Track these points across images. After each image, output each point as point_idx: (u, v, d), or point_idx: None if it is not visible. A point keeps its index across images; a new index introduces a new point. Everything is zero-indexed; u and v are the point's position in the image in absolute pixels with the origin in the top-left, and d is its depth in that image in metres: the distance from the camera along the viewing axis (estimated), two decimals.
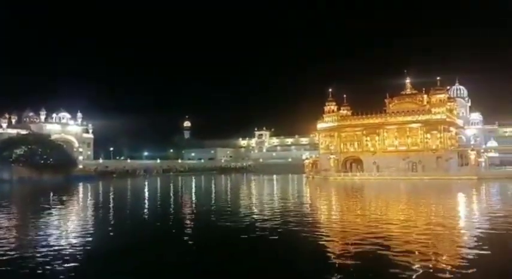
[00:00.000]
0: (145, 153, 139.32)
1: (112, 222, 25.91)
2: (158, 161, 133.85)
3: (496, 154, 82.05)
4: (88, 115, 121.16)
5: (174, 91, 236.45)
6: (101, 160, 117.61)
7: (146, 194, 50.29)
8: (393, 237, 17.87)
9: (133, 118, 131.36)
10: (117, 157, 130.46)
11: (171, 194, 48.62)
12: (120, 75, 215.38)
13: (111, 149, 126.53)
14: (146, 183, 72.56)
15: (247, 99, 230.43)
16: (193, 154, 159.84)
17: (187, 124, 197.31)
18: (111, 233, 21.21)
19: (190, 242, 18.46)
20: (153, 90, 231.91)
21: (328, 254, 15.18)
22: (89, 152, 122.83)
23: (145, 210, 32.26)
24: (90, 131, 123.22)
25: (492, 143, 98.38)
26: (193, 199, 41.99)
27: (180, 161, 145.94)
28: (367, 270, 12.96)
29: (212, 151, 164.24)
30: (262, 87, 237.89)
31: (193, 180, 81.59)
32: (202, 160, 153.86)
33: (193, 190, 55.84)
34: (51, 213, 28.28)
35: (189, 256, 15.53)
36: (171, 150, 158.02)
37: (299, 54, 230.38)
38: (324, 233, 19.53)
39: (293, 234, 19.54)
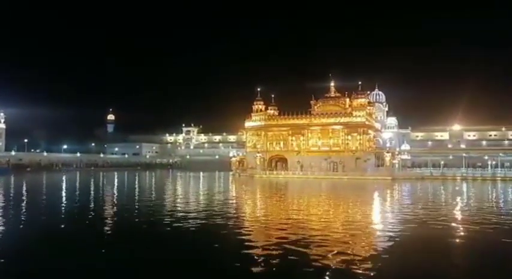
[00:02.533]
0: (65, 146, 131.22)
1: (20, 220, 24.07)
2: (78, 155, 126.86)
3: (409, 157, 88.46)
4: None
5: (97, 82, 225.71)
6: (13, 152, 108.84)
7: (62, 190, 47.39)
8: (312, 232, 18.58)
9: (52, 109, 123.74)
10: (33, 150, 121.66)
11: (91, 191, 46.32)
12: (37, 62, 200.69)
13: (26, 141, 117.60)
14: (64, 178, 68.39)
15: (176, 94, 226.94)
16: (116, 149, 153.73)
17: (111, 117, 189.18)
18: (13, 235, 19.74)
19: (106, 239, 17.76)
20: (75, 80, 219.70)
21: (249, 250, 15.40)
22: (0, 143, 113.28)
23: (58, 208, 30.34)
24: (2, 120, 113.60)
25: (405, 147, 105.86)
26: (115, 195, 40.40)
27: (102, 155, 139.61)
28: (286, 263, 13.37)
29: (137, 146, 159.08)
30: (191, 84, 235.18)
31: (116, 176, 78.42)
32: (127, 155, 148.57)
33: (115, 187, 53.67)
34: None
35: (103, 254, 14.94)
36: (93, 144, 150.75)
37: (230, 52, 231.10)
38: (246, 229, 19.82)
39: (214, 230, 19.61)
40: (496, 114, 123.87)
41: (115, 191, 45.02)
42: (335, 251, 14.95)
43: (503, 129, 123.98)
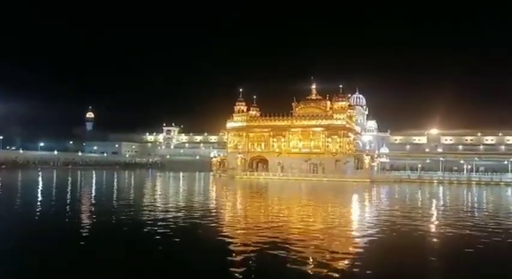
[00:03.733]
0: (42, 144, 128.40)
1: None
2: (56, 153, 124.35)
3: (387, 160, 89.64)
4: None
5: (77, 79, 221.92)
6: None
7: (38, 189, 46.40)
8: (290, 233, 18.69)
9: (29, 106, 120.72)
10: (8, 147, 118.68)
11: (68, 190, 45.53)
12: (14, 57, 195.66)
13: (1, 137, 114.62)
14: (40, 176, 66.99)
15: (157, 94, 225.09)
16: (95, 148, 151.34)
17: (90, 115, 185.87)
18: None
19: (83, 237, 17.48)
20: (54, 76, 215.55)
21: (228, 250, 15.40)
22: None
23: (32, 207, 29.72)
24: None
25: (384, 150, 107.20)
26: (92, 194, 39.77)
27: (80, 154, 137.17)
28: (265, 265, 13.42)
29: (116, 145, 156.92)
30: (173, 83, 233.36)
31: (94, 175, 77.23)
32: (105, 154, 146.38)
33: (93, 186, 52.83)
34: None
35: (81, 253, 14.72)
36: (71, 142, 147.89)
37: (211, 52, 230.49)
38: (224, 231, 19.79)
39: (193, 232, 19.56)
40: (472, 119, 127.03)
41: (92, 191, 44.33)
42: (312, 253, 15.08)
43: (479, 134, 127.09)
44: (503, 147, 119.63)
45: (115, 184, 57.35)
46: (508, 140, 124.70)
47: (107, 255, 14.74)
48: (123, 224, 21.29)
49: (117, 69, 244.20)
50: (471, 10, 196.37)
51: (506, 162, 74.18)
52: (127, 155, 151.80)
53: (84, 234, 18.91)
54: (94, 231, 19.71)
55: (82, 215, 24.93)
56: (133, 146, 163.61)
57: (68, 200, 33.56)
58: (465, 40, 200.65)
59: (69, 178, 64.52)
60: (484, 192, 50.77)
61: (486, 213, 29.60)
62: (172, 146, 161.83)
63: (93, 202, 32.91)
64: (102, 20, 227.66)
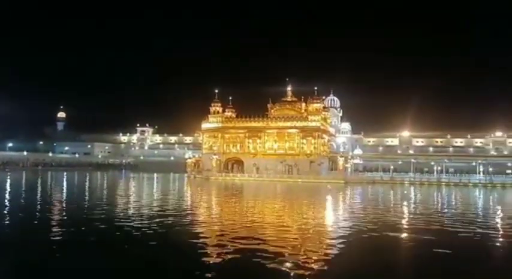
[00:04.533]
0: (10, 144, 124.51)
1: None
2: (25, 153, 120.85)
3: (361, 161, 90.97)
4: None
5: (48, 78, 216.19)
6: None
7: (5, 190, 44.96)
8: (265, 234, 18.71)
9: None
10: None
11: (38, 191, 44.27)
12: None
13: None
14: (8, 178, 64.92)
15: (131, 94, 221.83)
16: (67, 148, 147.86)
17: (61, 115, 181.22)
18: None
19: (55, 241, 17.00)
20: (23, 74, 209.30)
21: (202, 253, 15.28)
22: None
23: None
24: None
25: (358, 151, 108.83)
26: (63, 196, 38.78)
27: (51, 154, 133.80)
28: (239, 267, 13.38)
29: (89, 146, 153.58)
30: (147, 83, 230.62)
31: (65, 176, 75.35)
32: (77, 155, 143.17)
33: (64, 187, 51.54)
34: None
35: (52, 258, 14.33)
36: (42, 142, 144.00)
37: (187, 53, 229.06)
38: (198, 234, 19.64)
39: (166, 233, 19.34)
40: (442, 122, 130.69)
41: (63, 193, 43.23)
42: (287, 253, 15.15)
43: (449, 136, 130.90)
44: (471, 149, 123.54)
45: (87, 185, 56.07)
46: (476, 142, 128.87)
47: (78, 260, 14.40)
48: (94, 228, 20.78)
49: (89, 68, 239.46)
50: (440, 14, 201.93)
51: (474, 164, 76.58)
52: (99, 156, 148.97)
53: (54, 238, 18.38)
54: (64, 234, 19.19)
55: (51, 217, 24.23)
56: (106, 147, 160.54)
57: (38, 203, 32.60)
58: (435, 45, 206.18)
59: (39, 180, 62.76)
60: (453, 193, 52.17)
61: (454, 213, 30.39)
62: (146, 147, 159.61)
63: (64, 205, 32.02)
64: (72, 17, 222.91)
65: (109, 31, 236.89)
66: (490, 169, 70.77)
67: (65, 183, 58.87)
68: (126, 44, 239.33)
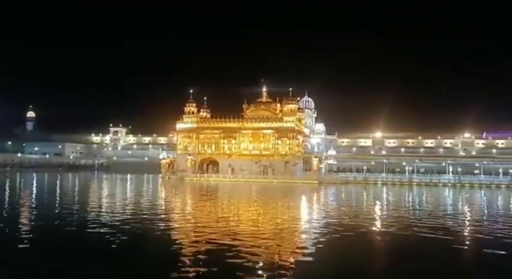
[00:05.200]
0: None
1: None
2: None
3: (335, 162, 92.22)
4: None
5: (17, 77, 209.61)
6: None
7: None
8: (239, 234, 18.70)
9: None
10: None
11: (5, 194, 42.83)
12: None
13: None
14: None
15: (103, 93, 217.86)
16: (36, 149, 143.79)
17: (31, 114, 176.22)
18: None
19: (27, 245, 16.52)
20: None
21: (176, 253, 15.16)
22: None
23: None
24: None
25: (332, 152, 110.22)
26: (33, 198, 37.64)
27: (20, 155, 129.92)
28: (213, 268, 13.32)
29: (60, 146, 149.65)
30: (120, 83, 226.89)
31: (34, 177, 73.28)
32: (48, 155, 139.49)
33: (34, 189, 50.06)
34: None
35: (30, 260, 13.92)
36: (10, 143, 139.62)
37: (161, 52, 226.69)
38: (172, 236, 19.49)
39: (139, 235, 19.10)
40: (414, 124, 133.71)
41: (33, 195, 41.96)
42: (262, 252, 15.21)
43: (419, 137, 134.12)
44: (441, 150, 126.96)
45: (57, 187, 54.68)
46: (445, 143, 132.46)
47: (48, 262, 14.04)
48: (64, 231, 20.30)
49: (60, 67, 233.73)
50: (417, 19, 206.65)
51: (444, 164, 78.77)
52: (71, 157, 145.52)
53: (23, 239, 17.86)
54: (33, 238, 18.66)
55: (20, 220, 23.52)
56: (78, 147, 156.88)
57: (5, 206, 31.57)
58: (407, 49, 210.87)
59: (7, 182, 60.80)
60: (424, 192, 53.44)
61: (425, 212, 31.13)
62: (119, 148, 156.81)
63: (33, 206, 31.10)
64: (44, 13, 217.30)
65: (81, 29, 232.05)
66: (459, 169, 72.88)
67: (34, 185, 57.21)
68: (98, 43, 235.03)
